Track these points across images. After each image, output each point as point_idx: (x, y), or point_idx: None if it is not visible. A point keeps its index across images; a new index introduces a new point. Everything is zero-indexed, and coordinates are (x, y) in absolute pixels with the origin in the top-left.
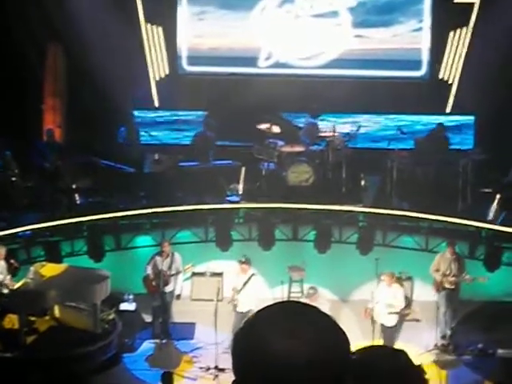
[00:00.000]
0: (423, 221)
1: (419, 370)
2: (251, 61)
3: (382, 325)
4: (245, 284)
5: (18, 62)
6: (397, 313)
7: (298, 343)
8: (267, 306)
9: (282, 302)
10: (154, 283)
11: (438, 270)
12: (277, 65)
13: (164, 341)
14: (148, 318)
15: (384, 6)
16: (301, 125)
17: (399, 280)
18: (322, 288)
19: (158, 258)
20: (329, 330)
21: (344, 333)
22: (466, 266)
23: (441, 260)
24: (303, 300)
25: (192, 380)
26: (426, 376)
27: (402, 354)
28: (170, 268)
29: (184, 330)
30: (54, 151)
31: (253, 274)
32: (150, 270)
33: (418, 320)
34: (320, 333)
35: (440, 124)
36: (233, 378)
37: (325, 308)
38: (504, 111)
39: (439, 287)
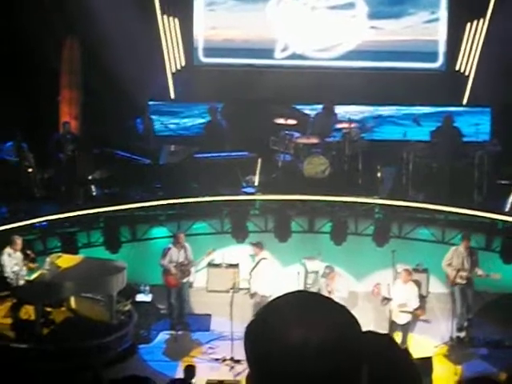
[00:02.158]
0: (439, 213)
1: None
2: (267, 52)
3: (394, 322)
4: (255, 266)
5: (34, 54)
6: (410, 312)
7: (312, 332)
8: (280, 296)
9: (295, 292)
10: (175, 277)
11: (450, 265)
12: (293, 56)
13: (180, 332)
14: (164, 310)
15: None
16: (316, 116)
17: (417, 271)
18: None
19: (173, 250)
20: (343, 320)
21: (358, 323)
22: (479, 260)
23: (454, 254)
24: (321, 280)
25: (208, 371)
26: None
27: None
28: (186, 259)
29: (200, 322)
30: (71, 143)
31: (262, 259)
32: (169, 264)
33: (427, 321)
34: (334, 322)
35: (448, 115)
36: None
37: (343, 286)
38: None
39: (452, 282)
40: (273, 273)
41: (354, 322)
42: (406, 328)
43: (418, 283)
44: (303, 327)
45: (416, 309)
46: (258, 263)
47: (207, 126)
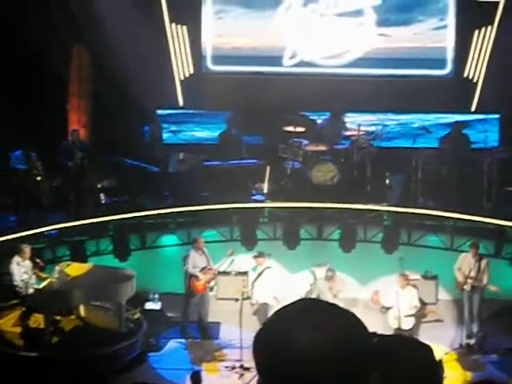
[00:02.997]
0: (448, 220)
1: (441, 367)
2: (275, 60)
3: (399, 328)
4: (258, 276)
5: (43, 63)
6: (412, 315)
7: (321, 337)
8: (288, 304)
9: (303, 300)
10: (202, 282)
11: (459, 269)
12: (301, 64)
13: (190, 340)
14: (175, 318)
15: (405, 4)
16: (324, 123)
17: (426, 279)
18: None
19: (195, 255)
20: (351, 324)
21: (365, 326)
22: (489, 269)
23: (463, 261)
24: (324, 283)
25: (218, 378)
26: (444, 375)
27: (427, 348)
28: (208, 263)
29: (209, 329)
30: (79, 151)
31: (267, 267)
32: (195, 270)
33: (440, 320)
34: (343, 326)
35: (457, 122)
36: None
37: (345, 289)
38: None
39: (461, 287)
40: (277, 281)
41: (360, 325)
42: (411, 333)
43: (415, 286)
44: (310, 333)
45: (418, 310)
46: (261, 273)
47: (222, 136)
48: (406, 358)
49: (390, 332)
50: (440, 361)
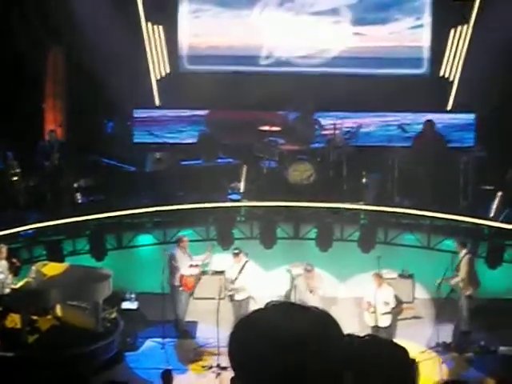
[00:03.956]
0: (425, 218)
1: (415, 368)
2: (252, 59)
3: (376, 326)
4: (240, 272)
5: (19, 63)
6: (389, 313)
7: (295, 336)
8: (259, 309)
9: (277, 301)
10: (192, 279)
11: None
12: (277, 63)
13: (166, 339)
14: (151, 317)
15: (381, 3)
16: (294, 122)
17: (402, 277)
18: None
19: (180, 254)
20: (324, 323)
21: (340, 326)
22: (459, 265)
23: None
24: (301, 279)
25: (195, 378)
26: (419, 375)
27: (401, 349)
28: (192, 260)
29: (188, 329)
30: (56, 151)
31: (246, 261)
32: (185, 269)
33: (418, 317)
34: (316, 325)
35: (428, 120)
36: None
37: (322, 285)
38: (505, 108)
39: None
40: (258, 273)
41: (334, 325)
42: (389, 331)
43: (390, 284)
44: (283, 332)
45: (394, 307)
46: (243, 267)
47: (200, 135)
48: (379, 359)
49: (367, 329)
50: (414, 362)
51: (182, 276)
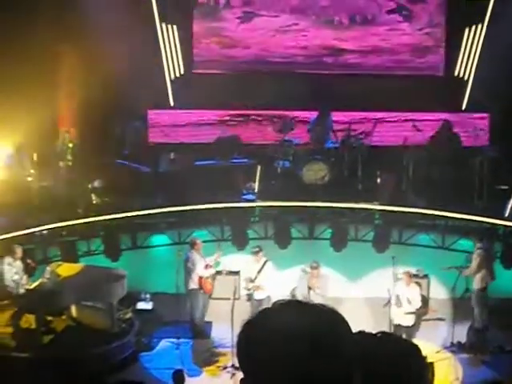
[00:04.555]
0: (439, 218)
1: (427, 367)
2: (265, 59)
3: (399, 325)
4: (259, 271)
5: (32, 63)
6: (413, 313)
7: (305, 336)
8: (266, 308)
9: (286, 299)
10: (210, 281)
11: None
12: (291, 62)
13: (181, 339)
14: (165, 317)
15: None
16: (312, 122)
17: (416, 278)
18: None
19: (196, 256)
20: (335, 323)
21: (348, 324)
22: (479, 262)
23: None
24: (305, 278)
25: (209, 378)
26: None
27: (413, 347)
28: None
29: (201, 329)
30: (70, 151)
31: (266, 261)
32: (204, 270)
33: (442, 319)
34: (325, 322)
35: (445, 121)
36: None
37: (325, 287)
38: None
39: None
40: (277, 273)
41: (344, 324)
42: (411, 330)
43: (419, 284)
44: (294, 332)
45: (419, 308)
46: (263, 266)
47: (219, 137)
48: (390, 356)
49: (385, 328)
50: (426, 359)
51: (200, 278)
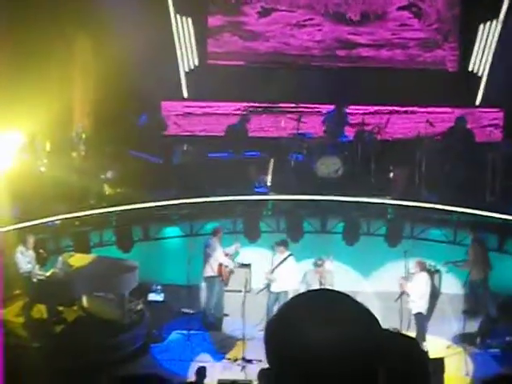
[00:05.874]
0: (451, 213)
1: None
2: (280, 52)
3: (416, 314)
4: (280, 263)
5: (48, 53)
6: (423, 299)
7: (335, 334)
8: (300, 294)
9: (316, 290)
10: (228, 269)
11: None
12: (306, 55)
13: (192, 331)
14: (176, 309)
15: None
16: (327, 116)
17: (429, 272)
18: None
19: (217, 245)
20: (364, 319)
21: (378, 321)
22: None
23: None
24: (312, 272)
25: (220, 370)
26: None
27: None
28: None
29: (213, 321)
30: (83, 142)
31: (290, 254)
32: (222, 257)
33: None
34: (355, 322)
35: (460, 117)
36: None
37: (332, 282)
38: None
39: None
40: (297, 269)
41: (373, 319)
42: (422, 318)
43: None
44: (325, 327)
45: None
46: (285, 259)
47: (230, 127)
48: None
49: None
50: (426, 353)
51: (220, 265)
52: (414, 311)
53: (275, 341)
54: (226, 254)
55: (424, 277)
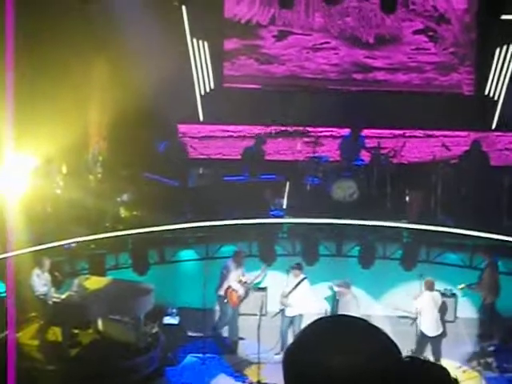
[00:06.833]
0: (468, 237)
1: None
2: (296, 75)
3: (427, 336)
4: (295, 287)
5: (65, 76)
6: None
7: (353, 360)
8: (318, 320)
9: (333, 316)
10: (238, 294)
11: None
12: (322, 79)
13: (208, 355)
14: (191, 332)
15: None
16: (343, 140)
17: (444, 297)
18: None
19: (233, 268)
20: (383, 346)
21: (396, 345)
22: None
23: None
24: (335, 289)
25: None
26: None
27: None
28: (244, 276)
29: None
30: (99, 164)
31: (304, 278)
32: (234, 282)
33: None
34: (375, 349)
35: (475, 141)
36: None
37: (354, 310)
38: None
39: None
40: (312, 293)
41: (391, 343)
42: (437, 341)
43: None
44: (343, 353)
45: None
46: (299, 283)
47: (247, 151)
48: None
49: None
50: (456, 380)
51: (228, 287)
52: (433, 334)
53: (294, 366)
54: (240, 281)
55: (427, 295)
